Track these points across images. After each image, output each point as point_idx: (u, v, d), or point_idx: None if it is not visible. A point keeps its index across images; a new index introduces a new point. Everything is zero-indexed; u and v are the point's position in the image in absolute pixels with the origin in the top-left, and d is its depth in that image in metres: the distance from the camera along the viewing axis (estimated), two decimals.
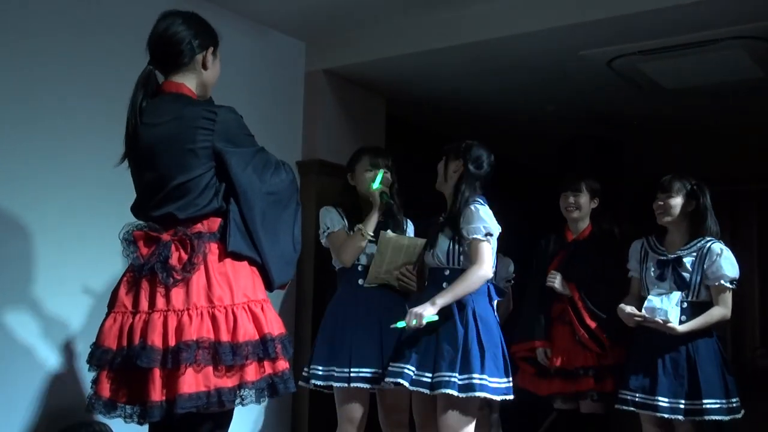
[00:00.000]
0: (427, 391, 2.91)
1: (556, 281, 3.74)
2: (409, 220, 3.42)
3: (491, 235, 2.99)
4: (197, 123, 2.25)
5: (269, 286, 2.33)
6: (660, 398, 3.31)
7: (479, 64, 4.52)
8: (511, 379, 3.03)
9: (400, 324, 2.90)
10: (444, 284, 2.98)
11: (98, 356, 2.22)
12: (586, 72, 4.60)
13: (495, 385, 2.92)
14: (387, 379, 2.99)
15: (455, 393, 2.85)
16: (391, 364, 3.01)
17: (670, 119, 5.73)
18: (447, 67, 4.58)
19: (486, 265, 2.93)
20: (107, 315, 2.29)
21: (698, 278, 3.40)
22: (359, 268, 3.27)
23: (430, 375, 2.90)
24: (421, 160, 6.23)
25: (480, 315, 2.93)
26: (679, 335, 3.35)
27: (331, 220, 3.33)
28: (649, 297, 3.43)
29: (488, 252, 2.96)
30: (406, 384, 2.92)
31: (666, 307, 3.36)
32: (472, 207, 2.99)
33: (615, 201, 5.93)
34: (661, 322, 3.35)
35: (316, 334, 4.30)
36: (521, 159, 7.08)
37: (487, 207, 3.03)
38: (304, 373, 3.29)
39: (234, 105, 2.38)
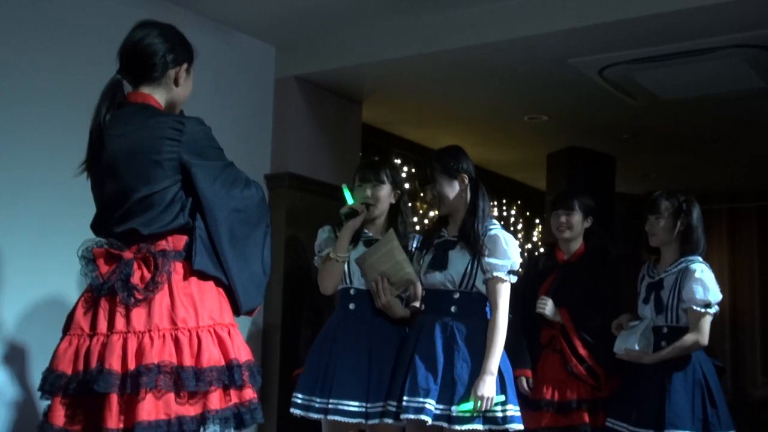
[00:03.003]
0: (445, 425, 2.94)
1: (546, 308, 3.77)
2: (416, 235, 3.41)
3: (514, 273, 3.05)
4: (164, 133, 2.28)
5: (236, 310, 2.34)
6: (635, 428, 3.39)
7: (461, 71, 4.56)
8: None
9: (466, 407, 2.90)
10: (453, 308, 3.02)
11: (51, 381, 2.21)
12: (577, 81, 4.66)
13: (518, 413, 3.00)
14: (408, 416, 2.97)
15: (479, 427, 2.92)
16: (408, 398, 2.99)
17: (666, 132, 5.81)
18: (427, 74, 4.62)
19: (506, 307, 3.00)
20: (62, 338, 2.29)
21: (674, 301, 3.47)
22: (351, 291, 3.28)
23: (448, 407, 2.94)
24: (397, 167, 6.33)
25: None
26: (650, 363, 3.44)
27: (320, 242, 3.36)
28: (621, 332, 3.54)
29: (509, 293, 3.02)
30: (429, 420, 2.94)
31: (635, 335, 3.46)
32: (500, 235, 3.02)
33: (609, 219, 6.00)
34: (628, 351, 3.46)
35: (284, 363, 4.36)
36: (507, 171, 7.17)
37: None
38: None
39: (196, 113, 2.41)
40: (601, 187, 6.04)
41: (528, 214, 7.76)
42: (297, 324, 4.34)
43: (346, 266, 3.26)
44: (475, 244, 2.99)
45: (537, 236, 7.84)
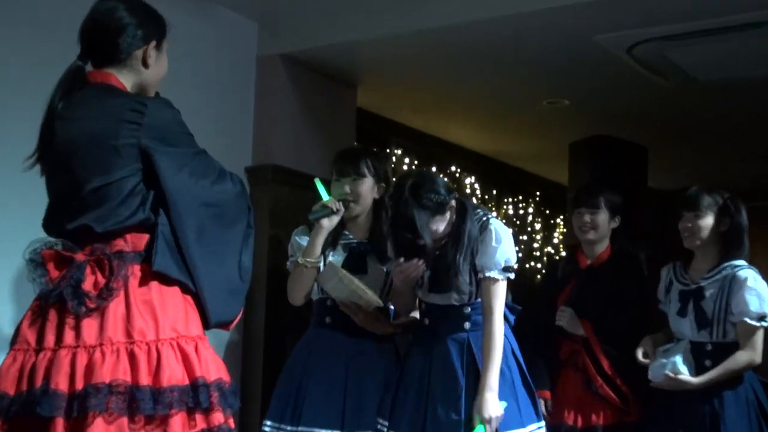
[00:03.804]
0: None
1: (565, 319, 3.76)
2: None
3: (511, 271, 3.04)
4: (122, 115, 2.25)
5: (206, 321, 2.31)
6: None
7: (471, 49, 4.55)
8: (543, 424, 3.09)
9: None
10: (466, 324, 3.02)
11: None
12: (603, 60, 4.65)
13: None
14: None
15: None
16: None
17: (703, 120, 5.80)
18: (431, 52, 4.60)
19: (502, 310, 2.99)
20: (7, 354, 2.25)
21: (722, 314, 3.45)
22: (328, 302, 3.25)
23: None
24: (397, 158, 6.36)
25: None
26: (697, 389, 3.41)
27: (294, 246, 3.33)
28: (658, 358, 3.50)
29: (504, 293, 3.01)
30: None
31: (674, 356, 3.43)
32: (490, 228, 3.01)
33: (640, 219, 5.98)
34: (672, 376, 3.42)
35: (267, 383, 4.33)
36: (523, 163, 7.16)
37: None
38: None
39: (167, 96, 2.39)
40: (630, 182, 6.04)
41: (547, 212, 7.75)
42: (282, 338, 4.32)
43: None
44: (472, 249, 3.00)
45: (558, 238, 7.85)
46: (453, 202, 3.03)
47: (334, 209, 3.18)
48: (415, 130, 6.06)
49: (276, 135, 4.64)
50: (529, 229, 7.50)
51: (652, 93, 5.21)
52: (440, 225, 3.01)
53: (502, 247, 2.99)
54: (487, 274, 2.98)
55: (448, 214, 3.03)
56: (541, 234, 7.67)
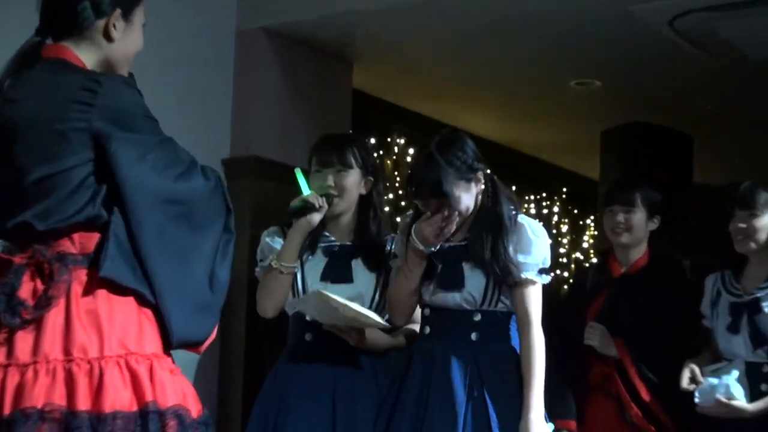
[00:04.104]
0: None
1: (595, 338, 3.76)
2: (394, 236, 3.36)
3: (546, 272, 3.04)
4: (72, 95, 2.22)
5: (168, 341, 2.26)
6: None
7: (486, 21, 4.54)
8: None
9: None
10: (473, 334, 3.01)
11: None
12: (640, 34, 4.65)
13: None
14: None
15: None
16: None
17: (756, 104, 5.78)
18: (440, 25, 4.59)
19: (540, 319, 3.00)
20: None
21: None
22: (308, 316, 3.24)
23: None
24: (400, 149, 6.38)
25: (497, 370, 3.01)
26: (752, 417, 3.41)
27: (264, 249, 3.31)
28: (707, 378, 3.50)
29: (541, 299, 3.02)
30: None
31: (726, 378, 3.42)
32: (525, 224, 3.02)
33: (682, 219, 5.98)
34: (724, 401, 3.41)
35: (248, 410, 4.30)
36: (547, 154, 7.18)
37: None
38: None
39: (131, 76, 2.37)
40: (672, 176, 6.03)
41: (575, 211, 7.75)
42: (266, 359, 4.31)
43: (299, 282, 3.21)
44: (495, 249, 2.99)
45: (588, 242, 7.84)
46: (481, 174, 3.03)
47: (317, 205, 3.16)
48: (420, 115, 6.07)
49: (258, 122, 4.64)
50: (554, 231, 7.48)
51: (697, 72, 5.20)
52: (463, 194, 3.02)
53: (541, 242, 3.01)
54: (524, 276, 2.97)
55: (473, 187, 3.02)
56: (567, 237, 7.67)
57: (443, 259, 3.06)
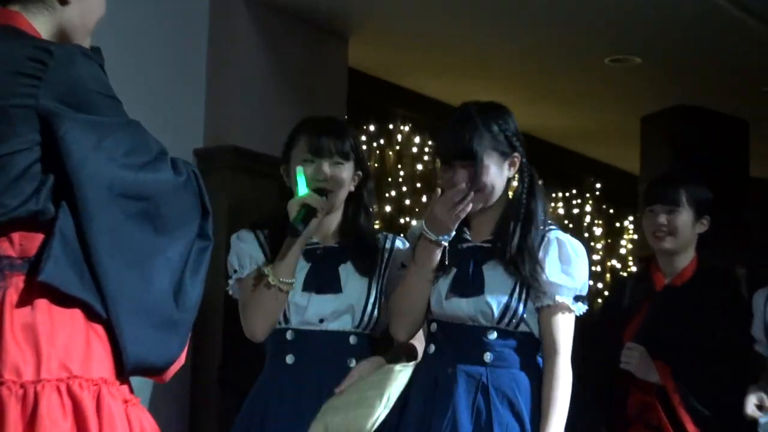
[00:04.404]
0: None
1: (634, 361, 3.77)
2: (398, 238, 3.34)
3: (583, 300, 3.05)
4: (17, 67, 2.20)
5: (121, 365, 2.23)
6: None
7: None
8: None
9: None
10: (487, 355, 3.00)
11: None
12: (687, 3, 4.66)
13: None
14: None
15: None
16: None
17: None
18: None
19: (569, 350, 3.01)
20: None
21: None
22: (288, 335, 3.22)
23: None
24: (404, 137, 6.35)
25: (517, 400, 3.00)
26: None
27: (241, 257, 3.31)
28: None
29: (572, 329, 3.03)
30: None
31: None
32: (564, 240, 3.02)
33: (737, 220, 5.97)
34: None
35: None
36: (576, 144, 7.22)
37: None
38: None
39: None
40: (724, 170, 6.02)
41: (611, 211, 7.77)
42: (245, 386, 4.31)
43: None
44: (522, 261, 2.98)
45: (625, 247, 7.85)
46: (518, 158, 3.03)
47: (319, 209, 3.16)
48: (427, 98, 6.10)
49: (237, 107, 4.64)
50: (586, 234, 7.51)
51: (755, 47, 5.21)
52: (493, 166, 3.03)
53: (581, 264, 3.01)
54: (558, 299, 2.97)
55: (506, 167, 3.03)
56: (602, 242, 7.69)
57: (460, 260, 3.07)
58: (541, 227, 3.03)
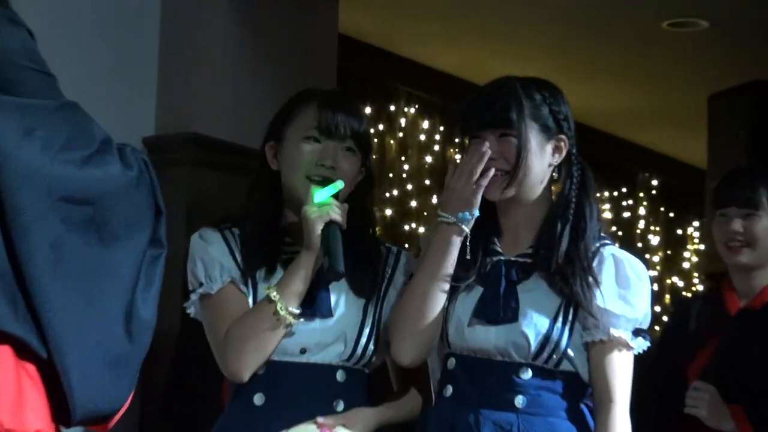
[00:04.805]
0: None
1: (703, 405, 3.77)
2: (405, 252, 3.32)
3: (644, 335, 3.04)
4: None
5: (65, 413, 2.24)
6: None
7: None
8: None
9: None
10: (519, 399, 3.00)
11: None
12: None
13: None
14: None
15: None
16: None
17: None
18: None
19: (628, 398, 3.03)
20: None
21: None
22: (260, 369, 3.21)
23: None
24: (409, 121, 6.37)
25: None
26: None
27: (209, 264, 3.35)
28: None
29: (631, 371, 3.04)
30: None
31: None
32: (624, 260, 3.03)
33: None
34: None
35: None
36: (624, 130, 7.24)
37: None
38: None
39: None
40: None
41: (671, 215, 7.83)
42: (196, 416, 4.33)
43: None
44: (573, 280, 2.96)
45: (689, 260, 7.92)
46: (565, 143, 3.01)
47: (341, 219, 3.14)
48: (437, 72, 6.15)
49: (199, 84, 4.67)
50: (639, 244, 7.53)
51: None
52: (533, 140, 3.02)
53: (644, 289, 3.01)
54: (614, 333, 2.96)
55: (549, 149, 3.05)
56: (659, 254, 7.74)
57: (487, 276, 3.06)
58: (594, 239, 3.03)
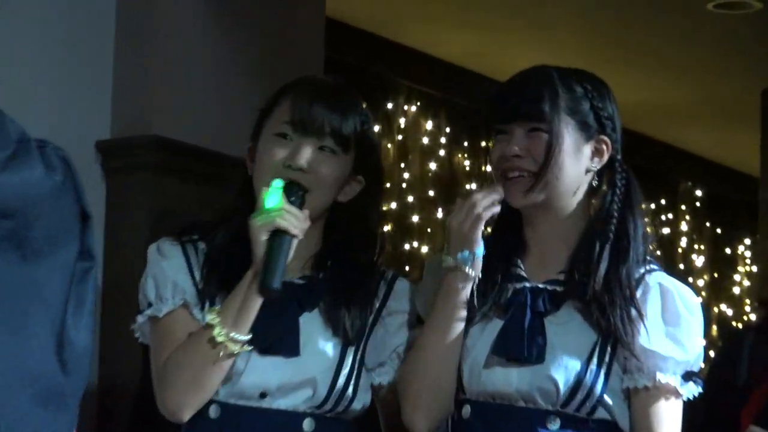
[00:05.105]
0: None
1: None
2: (401, 278, 3.30)
3: (695, 379, 3.03)
4: None
5: None
6: None
7: None
8: None
9: None
10: None
11: None
12: None
13: None
14: None
15: None
16: None
17: None
18: None
19: None
20: None
21: None
22: (212, 411, 3.19)
23: None
24: (410, 120, 6.36)
25: None
26: None
27: (161, 282, 3.33)
28: None
29: (680, 419, 3.05)
30: None
31: None
32: (672, 289, 3.01)
33: None
34: None
35: None
36: (662, 130, 7.27)
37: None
38: None
39: None
40: None
41: (718, 231, 7.89)
42: None
43: None
44: (621, 307, 2.97)
45: (739, 285, 7.97)
46: (607, 145, 3.00)
47: (296, 231, 3.11)
48: (443, 62, 6.17)
49: (163, 79, 4.67)
50: (681, 266, 7.57)
51: None
52: (567, 138, 3.01)
53: (695, 325, 3.01)
54: (661, 379, 2.96)
55: (587, 151, 3.04)
56: (705, 277, 7.78)
57: (508, 306, 3.05)
58: (638, 263, 3.02)
